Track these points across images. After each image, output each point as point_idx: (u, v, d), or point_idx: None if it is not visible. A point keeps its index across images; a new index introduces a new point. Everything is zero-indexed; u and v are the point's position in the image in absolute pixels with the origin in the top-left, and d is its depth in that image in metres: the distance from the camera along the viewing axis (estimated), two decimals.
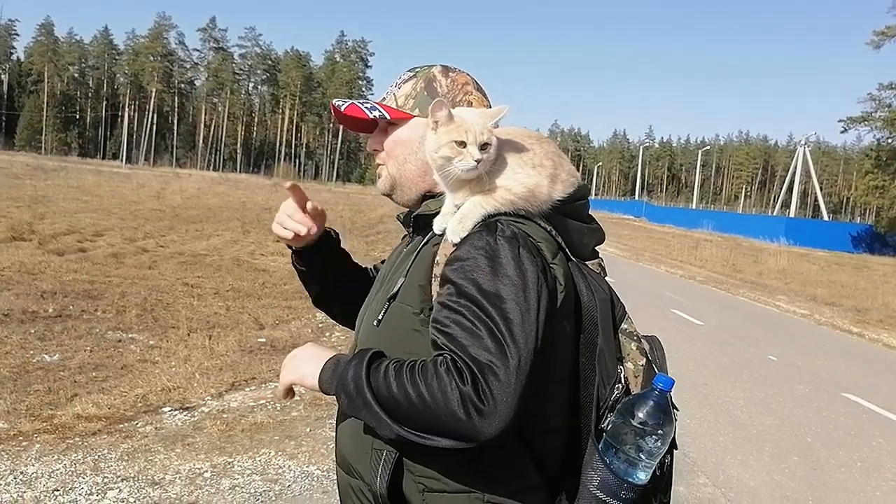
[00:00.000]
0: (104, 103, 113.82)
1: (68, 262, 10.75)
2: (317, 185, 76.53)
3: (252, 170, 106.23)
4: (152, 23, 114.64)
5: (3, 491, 3.63)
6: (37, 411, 4.76)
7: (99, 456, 4.15)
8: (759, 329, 12.32)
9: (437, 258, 1.29)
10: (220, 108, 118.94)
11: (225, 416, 5.07)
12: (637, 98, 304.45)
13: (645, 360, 1.32)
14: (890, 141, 50.60)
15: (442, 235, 1.32)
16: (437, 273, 1.28)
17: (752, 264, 26.28)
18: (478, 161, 1.27)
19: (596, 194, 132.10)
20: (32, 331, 6.75)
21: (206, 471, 4.11)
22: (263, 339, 7.33)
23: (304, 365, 1.31)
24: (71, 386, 5.33)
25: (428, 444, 1.15)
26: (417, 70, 1.50)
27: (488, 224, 1.26)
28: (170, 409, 5.08)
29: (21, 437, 4.32)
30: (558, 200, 1.34)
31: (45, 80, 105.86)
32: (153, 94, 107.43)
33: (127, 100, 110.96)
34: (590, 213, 1.44)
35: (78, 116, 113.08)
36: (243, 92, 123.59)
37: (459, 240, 1.26)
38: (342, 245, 1.75)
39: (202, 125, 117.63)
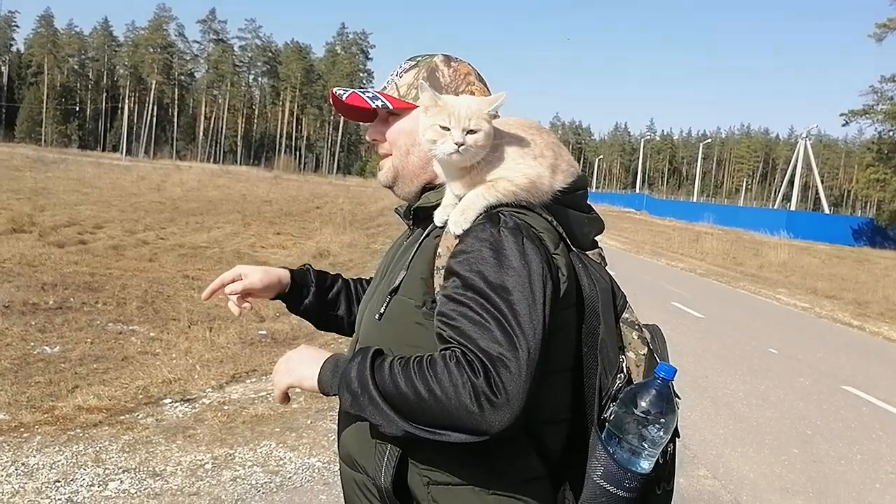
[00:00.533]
0: (104, 95, 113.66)
1: (69, 254, 10.76)
2: (317, 178, 76.46)
3: (252, 162, 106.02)
4: (152, 14, 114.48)
5: (4, 482, 3.63)
6: (38, 403, 4.77)
7: (100, 447, 4.15)
8: (759, 322, 12.33)
9: (439, 250, 1.29)
10: (220, 101, 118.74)
11: (226, 407, 5.07)
12: (638, 91, 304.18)
13: (647, 349, 1.32)
14: (891, 134, 50.46)
15: (443, 228, 1.31)
16: (439, 265, 1.27)
17: (752, 257, 26.25)
18: (459, 144, 1.25)
19: (597, 187, 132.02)
20: (33, 322, 6.75)
21: (208, 462, 4.12)
22: (264, 332, 7.34)
23: (301, 366, 1.29)
24: (72, 377, 5.34)
25: (438, 440, 1.14)
26: (419, 59, 1.48)
27: (490, 215, 1.26)
28: (171, 400, 5.09)
29: (22, 429, 4.33)
30: (559, 191, 1.34)
31: (45, 72, 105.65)
32: (153, 86, 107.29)
33: (127, 92, 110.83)
34: (588, 203, 1.43)
35: (78, 108, 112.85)
36: (243, 84, 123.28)
37: (462, 232, 1.25)
38: (309, 280, 1.73)
39: (202, 117, 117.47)
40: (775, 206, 71.63)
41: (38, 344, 6.13)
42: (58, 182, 25.66)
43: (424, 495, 1.27)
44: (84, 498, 3.56)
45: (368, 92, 1.45)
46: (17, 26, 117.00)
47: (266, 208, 24.83)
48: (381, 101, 1.43)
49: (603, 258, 1.41)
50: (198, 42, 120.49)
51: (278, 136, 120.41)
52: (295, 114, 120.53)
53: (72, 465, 3.90)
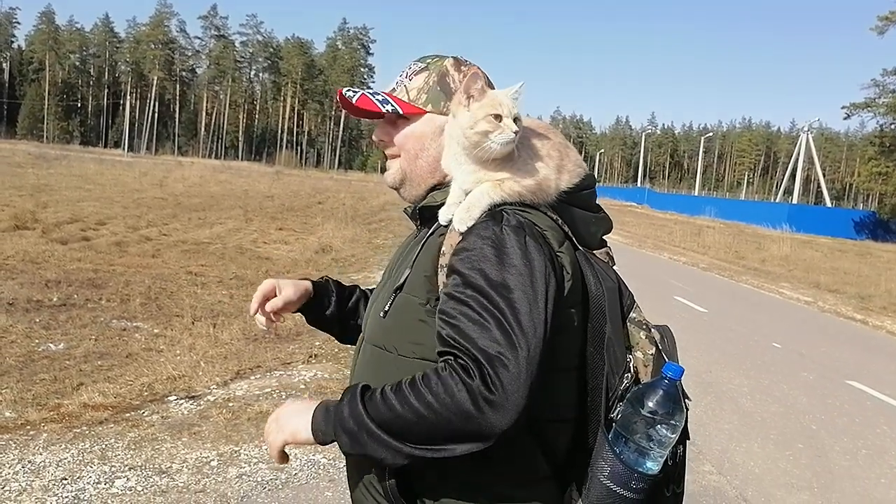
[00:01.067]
0: (105, 91, 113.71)
1: (72, 250, 10.78)
2: (319, 173, 76.46)
3: (254, 158, 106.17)
4: (153, 10, 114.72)
5: (11, 480, 3.65)
6: (43, 400, 4.78)
7: (106, 445, 4.16)
8: (762, 316, 12.32)
9: (443, 248, 1.29)
10: (221, 96, 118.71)
11: (231, 404, 5.08)
12: (639, 84, 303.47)
13: (654, 349, 1.32)
14: (893, 127, 50.38)
15: (447, 226, 1.31)
16: (443, 263, 1.27)
17: (755, 251, 26.21)
18: (515, 132, 1.27)
19: (598, 181, 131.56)
20: (37, 320, 6.77)
21: (213, 459, 4.13)
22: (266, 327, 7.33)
23: (292, 420, 1.27)
24: (77, 375, 5.35)
25: (443, 457, 1.14)
26: (429, 61, 1.46)
27: (494, 214, 1.26)
28: (175, 397, 5.10)
29: (28, 427, 4.34)
30: (564, 191, 1.34)
31: (47, 69, 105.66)
32: (154, 83, 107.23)
33: (128, 88, 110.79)
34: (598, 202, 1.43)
35: (79, 105, 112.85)
36: (245, 80, 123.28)
37: (466, 228, 1.25)
38: (330, 292, 1.73)
39: (204, 113, 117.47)
40: (777, 200, 71.65)
41: (42, 341, 6.15)
42: (60, 179, 25.70)
43: (431, 499, 1.27)
44: (91, 495, 3.57)
45: (378, 95, 1.44)
46: (19, 23, 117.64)
47: (268, 204, 24.84)
48: (392, 105, 1.42)
49: (611, 257, 1.41)
50: (199, 38, 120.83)
51: (280, 132, 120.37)
52: (296, 109, 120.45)
53: (78, 462, 3.91)
